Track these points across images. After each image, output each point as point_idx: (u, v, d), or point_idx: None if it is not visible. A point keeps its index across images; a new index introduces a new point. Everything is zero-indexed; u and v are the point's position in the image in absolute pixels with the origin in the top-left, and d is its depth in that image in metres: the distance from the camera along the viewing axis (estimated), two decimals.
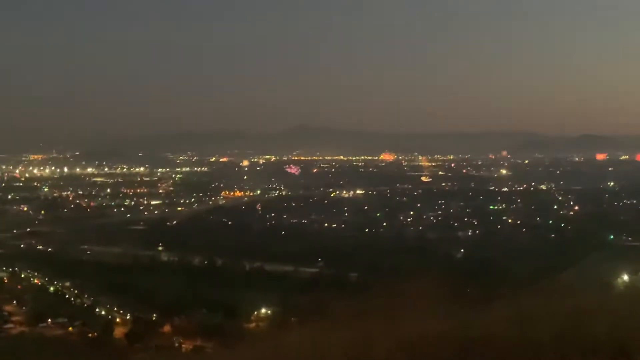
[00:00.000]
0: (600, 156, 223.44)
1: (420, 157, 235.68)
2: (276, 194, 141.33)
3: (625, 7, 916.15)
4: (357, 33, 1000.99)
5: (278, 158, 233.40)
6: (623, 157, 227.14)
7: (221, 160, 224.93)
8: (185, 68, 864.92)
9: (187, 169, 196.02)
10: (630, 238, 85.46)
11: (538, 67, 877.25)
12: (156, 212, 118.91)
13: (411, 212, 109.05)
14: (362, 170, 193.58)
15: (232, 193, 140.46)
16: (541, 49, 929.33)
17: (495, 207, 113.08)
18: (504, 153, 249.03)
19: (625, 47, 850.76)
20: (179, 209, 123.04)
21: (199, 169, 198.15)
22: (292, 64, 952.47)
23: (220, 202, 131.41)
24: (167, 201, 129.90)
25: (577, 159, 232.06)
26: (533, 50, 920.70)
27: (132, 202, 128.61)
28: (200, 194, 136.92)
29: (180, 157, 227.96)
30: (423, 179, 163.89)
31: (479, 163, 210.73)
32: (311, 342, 7.96)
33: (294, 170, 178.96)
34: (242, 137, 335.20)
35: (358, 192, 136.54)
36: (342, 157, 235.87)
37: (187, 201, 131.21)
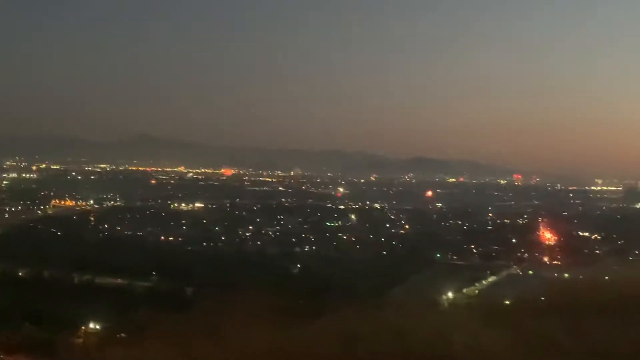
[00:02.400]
0: (430, 178, 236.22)
1: (261, 172, 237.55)
2: (111, 205, 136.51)
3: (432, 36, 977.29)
4: (201, 45, 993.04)
5: (114, 167, 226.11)
6: (451, 180, 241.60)
7: (52, 167, 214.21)
8: (15, 68, 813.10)
9: (14, 175, 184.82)
10: (455, 257, 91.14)
11: (374, 91, 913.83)
12: None
13: (250, 227, 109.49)
14: (203, 183, 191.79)
15: (63, 202, 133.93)
16: (375, 74, 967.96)
17: (332, 224, 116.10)
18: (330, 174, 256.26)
19: (455, 78, 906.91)
20: (3, 217, 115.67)
21: (28, 175, 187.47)
22: (135, 71, 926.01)
23: (50, 212, 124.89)
24: None
25: (409, 180, 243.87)
26: (370, 74, 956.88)
27: None
28: (28, 202, 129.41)
29: (7, 163, 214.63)
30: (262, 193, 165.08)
31: (318, 180, 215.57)
32: (134, 358, 7.84)
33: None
34: (77, 144, 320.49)
35: (197, 205, 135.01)
36: (182, 169, 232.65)
37: (12, 209, 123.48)
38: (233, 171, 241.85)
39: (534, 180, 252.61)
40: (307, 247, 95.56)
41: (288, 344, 7.31)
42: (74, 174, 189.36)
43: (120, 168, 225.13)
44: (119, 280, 66.87)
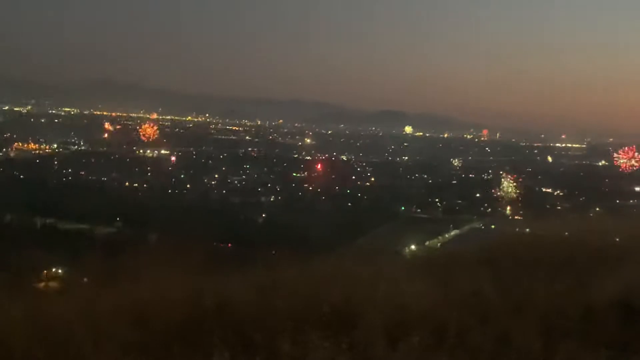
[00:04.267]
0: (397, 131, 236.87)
1: (227, 121, 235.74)
2: (75, 149, 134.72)
3: None
4: None
5: (79, 111, 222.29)
6: (418, 134, 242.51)
7: (15, 109, 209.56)
8: None
9: None
10: (419, 210, 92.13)
11: (345, 42, 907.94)
12: None
13: (216, 176, 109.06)
14: (168, 130, 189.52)
15: (26, 146, 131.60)
16: (347, 24, 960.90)
17: (298, 175, 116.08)
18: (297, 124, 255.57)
19: (424, 29, 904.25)
20: None
21: None
22: (101, 14, 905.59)
23: (12, 155, 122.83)
24: None
25: (375, 132, 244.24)
26: (342, 25, 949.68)
27: None
28: None
29: None
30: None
31: (285, 131, 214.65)
32: (98, 301, 7.81)
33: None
34: (41, 87, 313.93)
35: (163, 152, 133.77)
36: (147, 115, 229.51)
37: None
38: (199, 119, 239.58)
39: (499, 136, 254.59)
40: (272, 197, 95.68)
41: (237, 289, 7.41)
42: (37, 117, 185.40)
43: (85, 112, 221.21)
44: (82, 226, 66.44)
